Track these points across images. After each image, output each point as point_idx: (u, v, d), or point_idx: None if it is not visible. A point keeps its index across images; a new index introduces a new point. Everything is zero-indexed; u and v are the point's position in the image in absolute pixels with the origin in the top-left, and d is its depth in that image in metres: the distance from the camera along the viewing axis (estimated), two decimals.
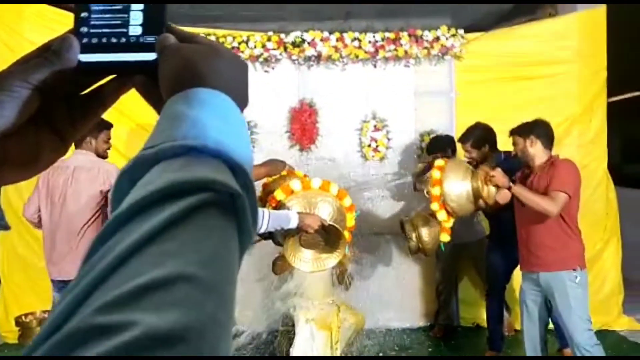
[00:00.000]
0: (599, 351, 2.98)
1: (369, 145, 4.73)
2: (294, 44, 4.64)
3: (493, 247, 3.97)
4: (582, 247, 3.10)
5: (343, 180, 4.76)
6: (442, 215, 3.29)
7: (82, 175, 3.25)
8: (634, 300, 5.02)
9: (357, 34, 4.65)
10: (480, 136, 3.87)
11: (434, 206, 3.26)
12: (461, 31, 4.69)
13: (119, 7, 0.54)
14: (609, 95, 4.80)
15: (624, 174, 7.94)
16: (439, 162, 3.34)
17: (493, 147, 3.92)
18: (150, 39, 0.53)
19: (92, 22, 0.53)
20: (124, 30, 0.53)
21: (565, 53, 4.65)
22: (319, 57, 4.68)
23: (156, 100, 0.52)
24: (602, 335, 3.15)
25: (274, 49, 4.63)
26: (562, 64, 4.66)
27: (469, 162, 3.97)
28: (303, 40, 4.64)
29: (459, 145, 4.58)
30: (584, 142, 4.68)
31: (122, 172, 0.40)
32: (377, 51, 4.65)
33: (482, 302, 4.55)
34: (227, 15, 6.89)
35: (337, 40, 4.63)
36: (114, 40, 0.53)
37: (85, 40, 0.53)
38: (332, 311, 3.70)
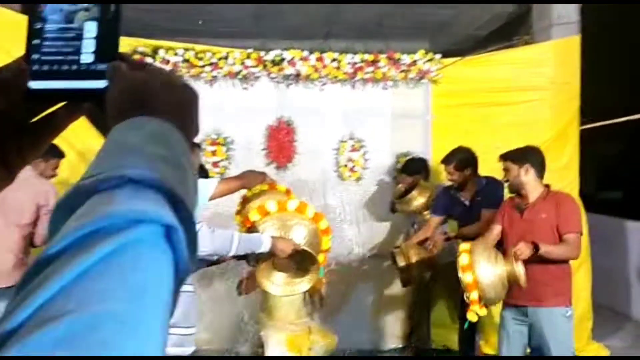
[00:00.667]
0: None
1: (346, 165, 4.74)
2: (273, 62, 4.65)
3: None
4: (571, 282, 3.08)
5: (319, 199, 4.76)
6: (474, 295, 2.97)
7: (20, 188, 3.17)
8: (603, 326, 5.08)
9: (336, 55, 4.68)
10: (463, 159, 3.92)
11: (474, 295, 2.89)
12: (438, 56, 4.75)
13: (71, 34, 0.53)
14: (583, 122, 4.91)
15: (597, 200, 8.08)
16: (465, 246, 3.03)
17: (475, 171, 3.98)
18: (101, 66, 0.52)
19: (44, 49, 0.52)
20: (76, 57, 0.52)
21: (540, 80, 4.74)
22: (298, 76, 4.69)
23: (106, 128, 0.51)
24: None
25: (253, 67, 4.62)
26: (536, 90, 4.75)
27: (450, 184, 4.03)
28: (282, 59, 4.64)
29: (441, 167, 4.65)
30: (557, 168, 4.73)
31: (60, 201, 0.40)
32: (355, 72, 4.68)
33: (454, 325, 4.55)
34: (207, 30, 6.89)
35: (316, 60, 4.66)
36: (65, 67, 0.52)
37: (36, 67, 0.52)
38: (304, 333, 3.65)
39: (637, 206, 6.95)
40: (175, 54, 4.54)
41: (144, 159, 0.41)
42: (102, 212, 0.36)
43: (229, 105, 4.72)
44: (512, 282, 2.89)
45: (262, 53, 4.63)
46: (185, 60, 4.57)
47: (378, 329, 4.78)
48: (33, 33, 0.53)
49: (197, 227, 1.84)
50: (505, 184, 3.26)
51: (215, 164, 4.63)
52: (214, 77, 4.63)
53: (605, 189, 8.41)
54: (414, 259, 3.77)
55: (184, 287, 2.33)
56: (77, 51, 0.53)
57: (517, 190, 3.15)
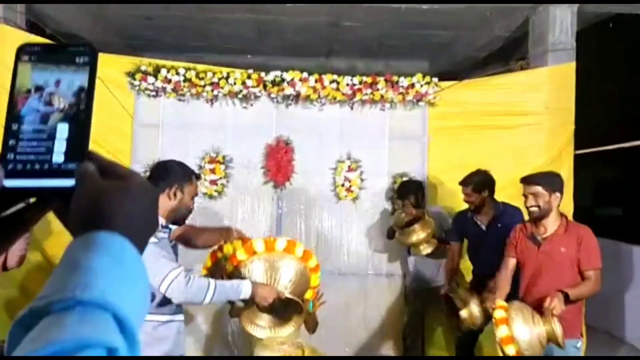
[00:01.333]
0: None
1: (343, 185, 4.79)
2: (273, 83, 4.72)
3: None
4: (583, 315, 3.07)
5: (315, 219, 4.82)
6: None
7: None
8: (597, 350, 5.10)
9: (335, 77, 4.74)
10: (481, 181, 3.97)
11: (510, 350, 2.79)
12: (435, 79, 4.81)
13: (45, 135, 0.56)
14: (579, 147, 4.95)
15: (595, 217, 8.10)
16: (502, 303, 2.94)
17: (492, 194, 4.03)
18: (71, 166, 0.56)
19: (19, 150, 0.56)
20: (48, 157, 0.56)
21: (536, 105, 4.80)
22: (297, 97, 4.76)
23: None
24: None
25: (253, 87, 4.70)
26: (531, 115, 4.81)
27: (466, 208, 4.06)
28: (282, 80, 4.72)
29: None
30: None
31: (15, 321, 0.44)
32: (354, 94, 4.75)
33: (450, 345, 4.59)
34: (210, 46, 7.01)
35: (315, 81, 4.72)
36: (37, 166, 0.56)
37: (10, 166, 0.55)
38: (296, 353, 3.69)
39: (633, 229, 6.97)
40: (177, 73, 4.62)
41: (96, 279, 0.45)
42: (51, 339, 0.40)
43: (229, 124, 4.79)
44: (550, 341, 2.79)
45: (262, 74, 4.70)
46: (187, 80, 4.64)
47: (370, 349, 4.81)
48: (9, 134, 0.56)
49: (174, 275, 1.84)
50: (531, 210, 3.01)
51: (213, 182, 4.69)
52: (215, 96, 4.70)
53: (603, 208, 8.44)
54: (472, 305, 3.72)
55: (175, 317, 2.31)
56: (50, 151, 0.56)
57: (540, 219, 2.98)
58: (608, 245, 6.27)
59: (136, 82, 4.63)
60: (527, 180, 3.05)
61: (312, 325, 3.91)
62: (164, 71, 4.62)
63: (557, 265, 2.93)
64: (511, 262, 3.19)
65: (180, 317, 2.43)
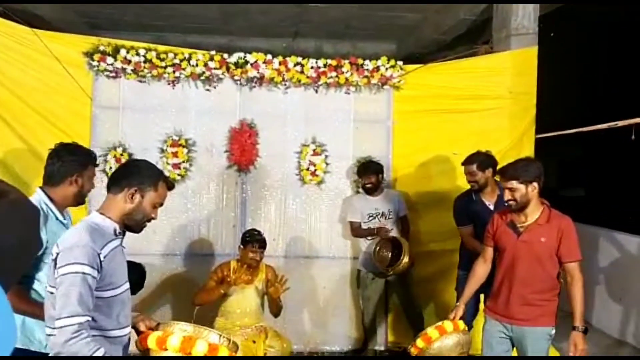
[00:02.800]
0: None
1: (308, 169, 4.77)
2: (236, 65, 4.64)
3: (464, 277, 3.82)
4: (558, 303, 3.05)
5: (280, 203, 4.80)
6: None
7: None
8: (557, 328, 5.24)
9: (300, 59, 4.69)
10: (485, 160, 3.98)
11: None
12: (400, 62, 4.80)
13: None
14: (543, 130, 5.03)
15: (559, 197, 8.29)
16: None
17: (494, 173, 3.99)
18: None
19: None
20: None
21: (499, 89, 4.84)
22: (261, 79, 4.70)
23: None
24: None
25: (216, 69, 4.61)
26: (495, 99, 4.85)
27: (464, 193, 4.11)
28: (246, 62, 4.64)
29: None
30: None
31: None
32: (319, 77, 4.71)
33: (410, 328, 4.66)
34: (175, 26, 6.84)
35: (280, 63, 4.66)
36: None
37: None
38: (259, 337, 3.71)
39: (596, 210, 7.15)
40: (137, 54, 4.50)
41: None
42: None
43: (192, 107, 4.70)
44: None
45: (225, 55, 4.62)
46: (147, 61, 4.53)
47: (334, 331, 4.85)
48: None
49: (71, 322, 1.76)
50: (509, 203, 2.98)
51: (176, 166, 4.61)
52: (177, 77, 4.60)
53: (566, 189, 8.65)
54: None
55: None
56: None
57: (520, 210, 2.95)
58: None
59: (95, 63, 4.49)
60: (502, 175, 3.02)
61: (276, 309, 3.93)
62: (123, 51, 4.49)
63: (536, 255, 2.93)
64: (489, 252, 3.20)
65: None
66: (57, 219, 2.42)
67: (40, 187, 2.45)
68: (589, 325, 5.80)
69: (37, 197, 2.42)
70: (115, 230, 2.11)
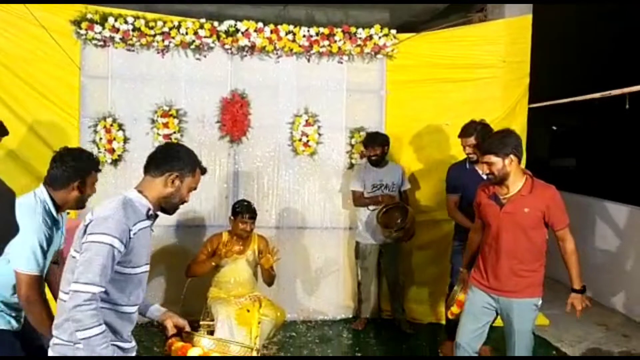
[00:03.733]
0: None
1: (300, 140, 4.74)
2: (227, 33, 4.56)
3: (459, 249, 3.95)
4: (543, 273, 3.07)
5: (272, 174, 4.78)
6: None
7: None
8: (545, 294, 5.30)
9: (291, 27, 4.61)
10: (483, 130, 3.88)
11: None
12: (394, 31, 4.74)
13: None
14: (535, 99, 5.00)
15: (550, 167, 8.33)
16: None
17: None
18: None
19: None
20: None
21: (492, 58, 4.81)
22: (252, 48, 4.62)
23: None
24: None
25: (206, 37, 4.53)
26: (488, 68, 4.82)
27: (459, 161, 4.12)
28: (237, 30, 4.56)
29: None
30: None
31: None
32: (311, 46, 4.64)
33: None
34: None
35: (271, 32, 4.58)
36: None
37: None
38: (254, 306, 3.74)
39: (586, 180, 7.19)
40: (125, 22, 4.40)
41: None
42: None
43: (182, 76, 4.63)
44: None
45: (215, 23, 4.53)
46: (136, 29, 4.43)
47: (327, 300, 4.90)
48: None
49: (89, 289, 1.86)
50: (488, 177, 2.98)
51: (167, 137, 4.57)
52: (166, 46, 4.52)
53: (557, 159, 8.68)
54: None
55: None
56: None
57: (501, 183, 2.94)
58: (562, 198, 6.50)
59: (82, 31, 4.40)
60: (487, 152, 2.96)
61: (268, 279, 3.96)
62: (111, 19, 4.39)
63: (520, 226, 2.93)
64: (479, 224, 3.21)
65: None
66: (53, 218, 2.44)
67: (44, 185, 2.47)
68: (568, 287, 5.90)
69: (40, 194, 2.44)
70: (148, 211, 2.16)
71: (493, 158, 2.89)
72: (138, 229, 2.09)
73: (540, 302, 3.03)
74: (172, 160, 2.24)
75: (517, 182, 2.93)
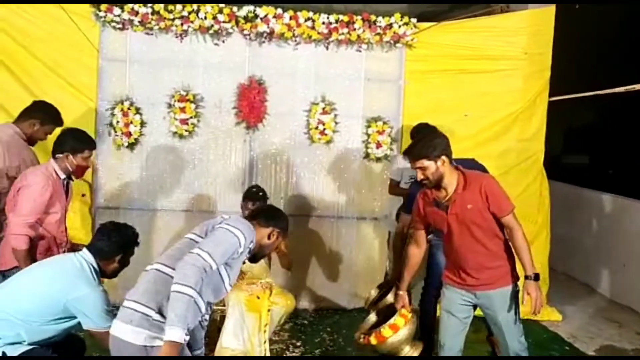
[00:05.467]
0: (527, 353, 3.04)
1: (316, 128, 4.71)
2: (246, 19, 4.52)
3: (438, 243, 3.75)
4: (514, 259, 3.03)
5: (288, 161, 4.77)
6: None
7: None
8: (558, 290, 5.30)
9: (311, 14, 4.57)
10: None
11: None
12: (414, 20, 4.69)
13: None
14: (550, 94, 4.94)
15: (562, 164, 8.25)
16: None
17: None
18: None
19: None
20: None
21: (513, 49, 4.74)
22: (271, 34, 4.59)
23: None
24: (525, 325, 3.26)
25: (225, 22, 4.50)
26: (509, 60, 4.75)
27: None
28: (256, 16, 4.52)
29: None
30: (524, 138, 4.82)
31: None
32: (330, 33, 4.60)
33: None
34: None
35: (290, 18, 4.55)
36: None
37: None
38: (264, 294, 3.73)
39: (598, 176, 7.12)
40: (145, 5, 4.38)
41: None
42: None
43: (200, 62, 4.61)
44: None
45: (234, 8, 4.49)
46: (155, 12, 4.41)
47: (339, 289, 4.89)
48: None
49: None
50: (423, 183, 2.92)
51: (183, 121, 4.56)
52: (185, 31, 4.50)
53: (572, 153, 8.59)
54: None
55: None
56: None
57: (438, 187, 2.90)
58: (574, 192, 6.45)
59: (101, 14, 4.38)
60: (409, 155, 2.95)
61: (286, 262, 3.94)
62: (130, 2, 4.37)
63: (471, 222, 2.88)
64: (420, 235, 3.11)
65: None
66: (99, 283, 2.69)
67: (89, 251, 2.72)
68: (591, 288, 5.88)
69: (88, 259, 2.70)
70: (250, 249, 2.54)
71: (425, 162, 2.83)
72: (246, 251, 2.49)
73: (518, 287, 2.98)
74: (279, 219, 2.71)
75: (452, 181, 2.88)
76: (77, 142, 3.22)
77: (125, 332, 2.30)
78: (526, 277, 2.89)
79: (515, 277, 2.98)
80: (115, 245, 2.70)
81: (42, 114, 3.54)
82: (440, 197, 2.93)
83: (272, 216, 2.69)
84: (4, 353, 2.40)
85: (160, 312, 2.31)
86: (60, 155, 3.18)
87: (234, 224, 2.44)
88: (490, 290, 2.95)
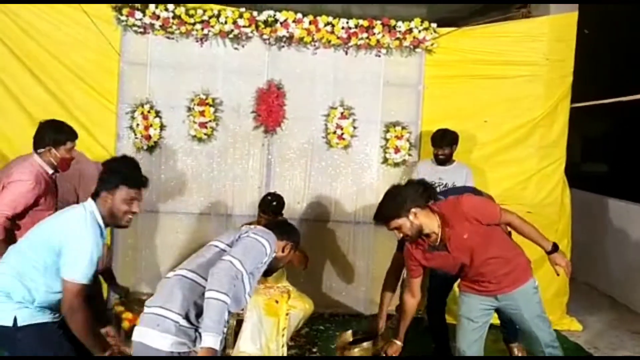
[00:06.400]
0: (558, 342, 3.07)
1: (335, 132, 4.70)
2: (266, 23, 4.54)
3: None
4: (526, 256, 3.05)
5: (305, 165, 4.76)
6: None
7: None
8: (578, 300, 5.21)
9: (330, 19, 4.57)
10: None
11: None
12: (434, 25, 4.66)
13: None
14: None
15: (581, 172, 8.13)
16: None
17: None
18: None
19: None
20: None
21: (535, 55, 4.69)
22: (290, 39, 4.60)
23: None
24: None
25: (245, 27, 4.52)
26: (530, 65, 4.70)
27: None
28: (275, 20, 4.54)
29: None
30: (545, 145, 4.76)
31: None
32: (349, 38, 4.60)
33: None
34: None
35: (310, 23, 4.55)
36: None
37: None
38: (282, 298, 3.72)
39: (619, 183, 7.00)
40: (166, 9, 4.42)
41: None
42: None
43: (219, 66, 4.63)
44: None
45: (254, 13, 4.52)
46: (176, 17, 4.45)
47: (355, 295, 4.86)
48: None
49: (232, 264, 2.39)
50: (405, 240, 2.89)
51: (202, 125, 4.58)
52: (205, 35, 4.53)
53: (591, 160, 8.46)
54: None
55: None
56: None
57: (421, 236, 2.83)
58: (595, 200, 6.34)
59: (123, 17, 4.43)
60: (379, 220, 2.86)
61: (302, 260, 3.91)
62: (152, 6, 4.41)
63: (476, 248, 2.84)
64: (415, 284, 3.04)
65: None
66: (101, 229, 2.45)
67: (92, 198, 2.49)
68: (612, 299, 5.77)
69: (89, 207, 2.46)
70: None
71: (398, 222, 2.76)
72: (268, 261, 2.58)
73: (535, 282, 2.99)
74: (291, 233, 2.82)
75: (434, 224, 2.80)
76: (58, 134, 3.14)
77: (151, 337, 2.27)
78: (549, 253, 2.90)
79: (532, 271, 3.00)
80: (115, 176, 2.47)
81: (47, 137, 3.20)
82: (433, 242, 2.86)
83: (286, 230, 2.81)
84: (15, 318, 2.32)
85: (187, 318, 2.30)
86: (43, 150, 3.12)
87: (261, 233, 2.56)
88: (511, 292, 2.95)
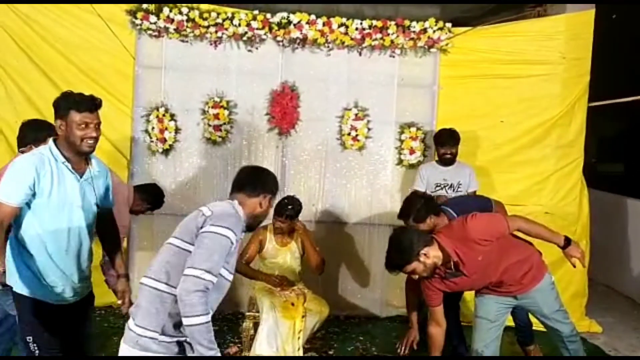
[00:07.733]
0: (577, 331, 3.16)
1: (349, 134, 4.68)
2: (279, 25, 4.54)
3: None
4: (538, 253, 3.11)
5: (320, 167, 4.74)
6: None
7: None
8: (597, 301, 5.14)
9: (344, 20, 4.56)
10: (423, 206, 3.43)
11: None
12: (449, 25, 4.63)
13: None
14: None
15: (598, 172, 8.02)
16: None
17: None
18: None
19: None
20: None
21: (551, 54, 4.63)
22: (304, 41, 4.59)
23: None
24: None
25: (258, 29, 4.51)
26: (546, 64, 4.64)
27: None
28: (289, 22, 4.53)
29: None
30: (562, 145, 4.70)
31: None
32: (363, 39, 4.58)
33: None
34: None
35: (323, 24, 4.54)
36: None
37: None
38: (298, 300, 3.70)
39: (636, 183, 6.89)
40: (180, 13, 4.43)
41: None
42: None
43: (233, 68, 4.64)
44: None
45: (268, 15, 4.51)
46: (190, 20, 4.46)
47: (371, 297, 4.84)
48: None
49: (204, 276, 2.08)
50: (423, 278, 2.91)
51: (217, 128, 4.58)
52: (219, 38, 4.53)
53: (607, 161, 8.35)
54: None
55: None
56: None
57: (436, 270, 2.87)
58: (613, 200, 6.25)
59: (138, 21, 4.45)
60: (392, 269, 2.91)
61: (316, 260, 3.89)
62: (166, 10, 4.43)
63: (494, 263, 2.88)
64: (439, 313, 3.03)
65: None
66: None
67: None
68: (632, 300, 5.68)
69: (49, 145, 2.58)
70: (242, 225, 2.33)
71: (410, 267, 2.80)
72: (240, 236, 2.27)
73: (552, 278, 3.09)
74: (266, 183, 2.45)
75: (443, 254, 2.83)
76: (38, 132, 3.11)
77: (136, 354, 2.16)
78: (563, 248, 2.94)
79: (547, 267, 3.09)
80: (64, 103, 2.61)
81: (28, 136, 3.16)
82: (451, 267, 2.88)
83: (258, 182, 2.43)
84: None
85: (164, 333, 2.16)
86: (25, 149, 3.10)
87: (220, 222, 2.18)
88: (531, 289, 3.03)
